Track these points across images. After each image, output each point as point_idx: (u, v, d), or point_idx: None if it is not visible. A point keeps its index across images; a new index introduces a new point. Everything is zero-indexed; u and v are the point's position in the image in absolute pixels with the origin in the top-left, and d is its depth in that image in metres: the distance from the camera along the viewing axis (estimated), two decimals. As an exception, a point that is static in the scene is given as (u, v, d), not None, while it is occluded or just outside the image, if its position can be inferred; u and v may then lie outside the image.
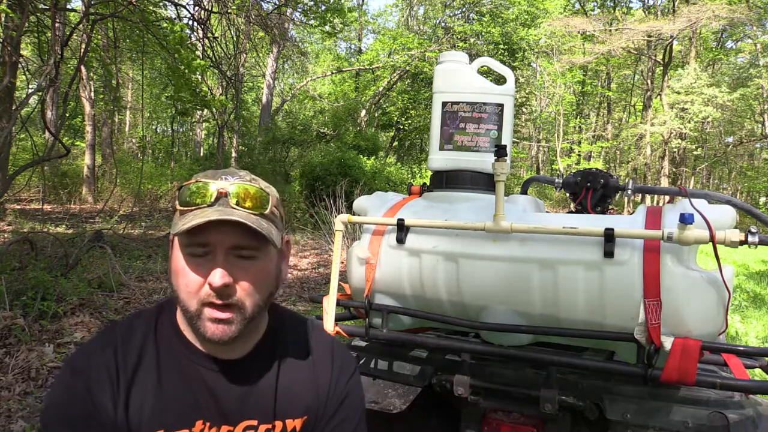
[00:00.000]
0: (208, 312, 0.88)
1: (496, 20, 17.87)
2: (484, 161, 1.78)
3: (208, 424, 0.95)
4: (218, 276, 0.85)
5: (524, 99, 22.25)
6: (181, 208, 0.90)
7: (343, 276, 1.87)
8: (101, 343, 0.94)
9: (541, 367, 1.54)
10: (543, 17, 20.13)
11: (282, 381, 1.01)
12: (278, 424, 1.00)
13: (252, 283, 0.90)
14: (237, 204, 0.89)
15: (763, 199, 30.43)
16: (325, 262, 8.30)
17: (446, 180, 1.83)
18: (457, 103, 1.84)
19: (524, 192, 2.17)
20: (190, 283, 0.88)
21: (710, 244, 1.29)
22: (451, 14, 19.75)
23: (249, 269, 0.90)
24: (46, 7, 6.43)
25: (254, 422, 0.98)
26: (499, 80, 1.86)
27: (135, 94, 25.22)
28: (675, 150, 24.46)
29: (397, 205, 1.77)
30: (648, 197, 18.85)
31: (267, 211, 0.92)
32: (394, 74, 19.32)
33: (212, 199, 0.89)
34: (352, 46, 27.47)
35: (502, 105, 1.82)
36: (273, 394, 1.00)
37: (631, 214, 1.54)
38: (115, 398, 0.89)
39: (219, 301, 0.87)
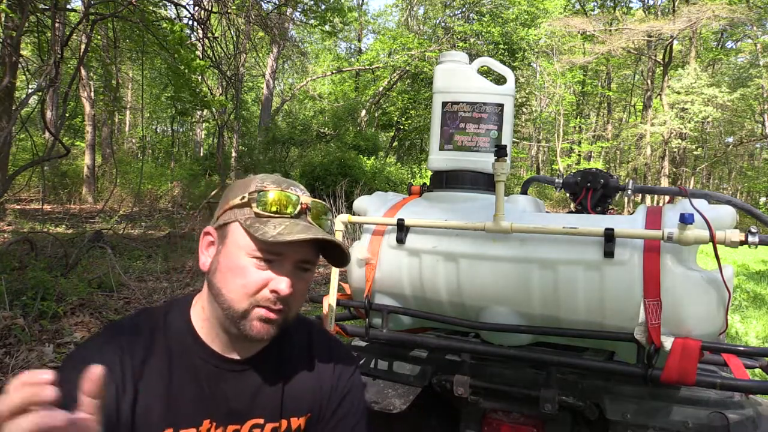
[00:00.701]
0: (260, 312, 0.92)
1: (496, 20, 17.86)
2: (484, 161, 1.78)
3: (214, 423, 0.95)
4: (285, 285, 0.91)
5: (524, 99, 22.24)
6: (263, 212, 0.93)
7: (343, 276, 1.87)
8: (104, 341, 0.93)
9: (541, 367, 1.54)
10: (543, 17, 20.11)
11: (288, 380, 1.03)
12: (284, 422, 1.01)
13: (301, 292, 0.97)
14: (314, 219, 0.97)
15: (763, 199, 30.45)
16: (325, 262, 8.27)
17: (446, 180, 1.83)
18: (457, 103, 1.84)
19: (524, 192, 2.16)
20: (249, 284, 0.91)
21: (710, 244, 1.28)
22: (451, 14, 19.74)
23: (303, 280, 0.97)
24: (46, 7, 6.43)
25: (261, 421, 0.99)
26: (499, 80, 1.86)
27: (135, 94, 25.19)
28: (675, 150, 24.46)
29: (397, 205, 1.76)
30: (648, 197, 18.83)
31: (329, 228, 1.00)
32: (394, 74, 19.32)
33: (296, 211, 0.95)
34: (352, 46, 27.50)
35: (502, 105, 1.81)
36: (280, 393, 1.01)
37: (631, 214, 1.54)
38: (118, 398, 0.88)
39: (276, 306, 0.92)
